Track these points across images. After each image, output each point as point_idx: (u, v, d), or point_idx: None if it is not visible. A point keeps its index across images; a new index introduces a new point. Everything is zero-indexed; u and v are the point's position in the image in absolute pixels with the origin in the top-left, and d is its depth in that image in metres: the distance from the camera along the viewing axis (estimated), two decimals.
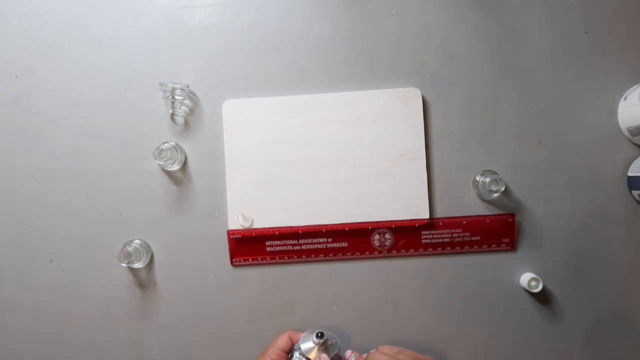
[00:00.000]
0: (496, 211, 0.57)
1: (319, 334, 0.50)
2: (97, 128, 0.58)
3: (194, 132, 0.58)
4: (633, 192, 0.56)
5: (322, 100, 0.57)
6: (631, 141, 0.56)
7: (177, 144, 0.57)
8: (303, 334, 0.52)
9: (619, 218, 0.56)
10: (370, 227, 0.56)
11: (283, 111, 0.57)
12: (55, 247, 0.58)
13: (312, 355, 0.50)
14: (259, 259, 0.57)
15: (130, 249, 0.54)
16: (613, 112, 0.57)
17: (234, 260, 0.57)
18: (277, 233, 0.57)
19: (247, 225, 0.56)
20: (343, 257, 0.57)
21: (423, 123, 0.57)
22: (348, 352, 0.52)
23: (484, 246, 0.57)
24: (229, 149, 0.57)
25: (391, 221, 0.56)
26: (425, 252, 0.57)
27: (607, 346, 0.56)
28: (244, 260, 0.57)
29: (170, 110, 0.57)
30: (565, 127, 0.57)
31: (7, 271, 0.58)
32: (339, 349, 0.51)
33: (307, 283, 0.58)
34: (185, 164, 0.58)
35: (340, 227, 0.56)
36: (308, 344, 0.51)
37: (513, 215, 0.57)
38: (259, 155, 0.57)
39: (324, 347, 0.50)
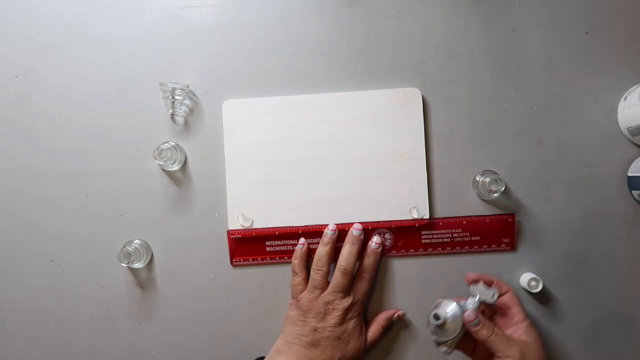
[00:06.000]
0: (496, 211, 0.57)
1: (435, 316, 0.49)
2: (97, 128, 0.58)
3: (194, 132, 0.58)
4: (633, 192, 0.55)
5: (322, 100, 0.57)
6: (631, 141, 0.56)
7: (177, 144, 0.57)
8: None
9: (619, 218, 0.56)
10: (370, 227, 0.56)
11: (283, 111, 0.57)
12: (55, 247, 0.58)
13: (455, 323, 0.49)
14: (259, 259, 0.57)
15: (130, 249, 0.54)
16: (613, 112, 0.57)
17: (234, 260, 0.57)
18: (277, 233, 0.57)
19: (247, 225, 0.56)
20: None
21: (423, 123, 0.57)
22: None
23: (484, 246, 0.57)
24: (229, 149, 0.57)
25: (391, 221, 0.56)
26: (425, 252, 0.57)
27: (607, 346, 0.56)
28: (244, 260, 0.57)
29: (170, 110, 0.57)
30: (565, 127, 0.57)
31: (7, 271, 0.58)
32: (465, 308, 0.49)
33: None
34: (185, 164, 0.58)
35: (340, 227, 0.56)
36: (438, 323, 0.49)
37: (513, 215, 0.57)
38: (259, 155, 0.57)
39: (443, 327, 0.49)
